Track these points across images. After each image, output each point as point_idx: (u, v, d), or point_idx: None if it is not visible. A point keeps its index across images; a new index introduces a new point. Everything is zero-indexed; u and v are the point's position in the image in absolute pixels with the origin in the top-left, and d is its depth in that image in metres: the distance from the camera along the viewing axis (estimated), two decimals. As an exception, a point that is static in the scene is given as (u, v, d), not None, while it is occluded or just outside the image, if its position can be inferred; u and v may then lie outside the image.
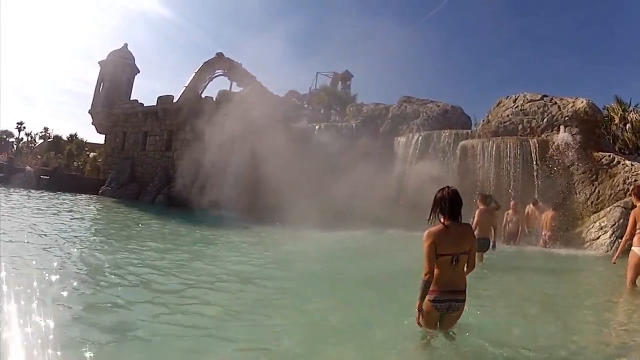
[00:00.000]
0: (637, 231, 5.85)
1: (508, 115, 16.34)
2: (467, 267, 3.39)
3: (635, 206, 6.13)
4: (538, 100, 16.47)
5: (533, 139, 14.86)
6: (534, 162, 14.08)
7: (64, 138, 52.79)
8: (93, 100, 31.66)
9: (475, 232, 6.31)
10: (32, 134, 62.76)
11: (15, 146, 57.60)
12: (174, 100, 23.79)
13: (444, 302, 3.25)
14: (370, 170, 15.83)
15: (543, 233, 12.06)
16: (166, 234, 10.77)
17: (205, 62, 30.09)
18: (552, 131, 15.44)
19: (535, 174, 13.88)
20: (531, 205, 12.58)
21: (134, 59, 33.55)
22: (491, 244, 8.00)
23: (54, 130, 58.84)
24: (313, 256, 8.70)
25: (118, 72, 31.58)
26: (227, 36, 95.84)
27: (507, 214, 11.94)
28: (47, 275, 4.99)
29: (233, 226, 13.40)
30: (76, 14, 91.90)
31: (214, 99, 22.58)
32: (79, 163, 40.05)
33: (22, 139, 60.68)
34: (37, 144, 60.26)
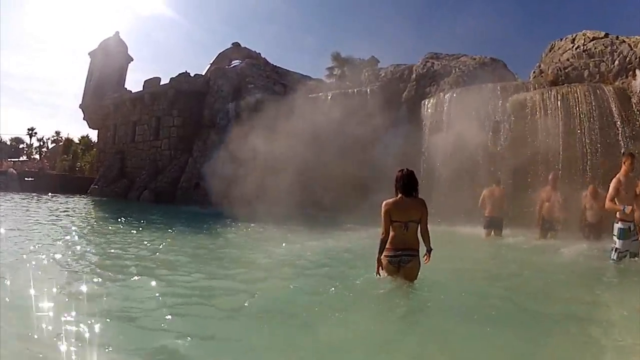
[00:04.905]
0: None
1: (568, 60, 12.49)
2: (422, 233, 4.00)
3: None
4: (602, 38, 12.68)
5: (608, 87, 11.05)
6: (616, 118, 10.27)
7: (76, 140, 51.08)
8: (84, 94, 29.32)
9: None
10: (44, 139, 61.96)
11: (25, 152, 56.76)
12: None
13: (396, 257, 3.91)
14: (390, 147, 12.32)
15: None
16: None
17: (220, 53, 27.48)
18: (626, 77, 11.68)
19: (620, 133, 10.08)
20: None
21: (126, 46, 30.89)
22: None
23: (69, 134, 57.14)
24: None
25: (108, 61, 29.06)
26: (247, 27, 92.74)
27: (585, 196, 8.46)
28: None
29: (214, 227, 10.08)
30: (90, 19, 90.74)
31: (204, 74, 19.39)
32: (82, 163, 38.03)
33: (33, 144, 59.86)
34: (50, 149, 59.38)
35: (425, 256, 3.99)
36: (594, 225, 8.23)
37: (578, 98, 10.55)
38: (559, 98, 10.64)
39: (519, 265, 5.85)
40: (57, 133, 59.45)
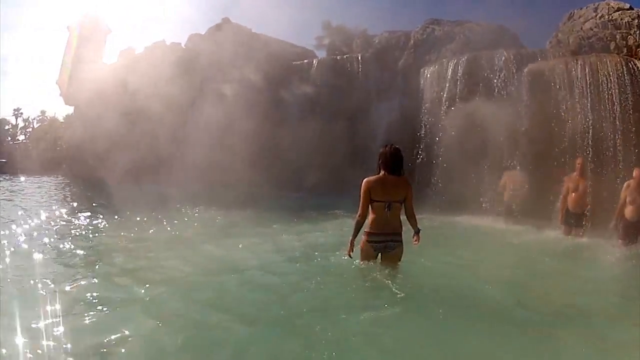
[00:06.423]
0: None
1: (591, 29, 10.91)
2: (407, 215, 3.67)
3: None
4: (628, 10, 11.29)
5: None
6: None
7: (61, 119, 49.17)
8: (60, 69, 27.49)
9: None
10: (30, 119, 59.88)
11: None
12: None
13: (380, 242, 3.58)
14: (383, 121, 10.64)
15: None
16: None
17: (210, 29, 26.02)
18: (655, 55, 10.23)
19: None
20: None
21: (105, 18, 29.12)
22: None
23: (55, 113, 54.86)
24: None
25: (86, 34, 27.35)
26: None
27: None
28: None
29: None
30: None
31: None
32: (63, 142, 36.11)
33: (18, 124, 57.71)
34: (35, 128, 57.26)
35: (415, 237, 3.66)
36: (634, 224, 6.52)
37: (609, 70, 8.88)
38: (586, 69, 8.95)
39: (552, 281, 4.27)
40: (43, 112, 57.33)
